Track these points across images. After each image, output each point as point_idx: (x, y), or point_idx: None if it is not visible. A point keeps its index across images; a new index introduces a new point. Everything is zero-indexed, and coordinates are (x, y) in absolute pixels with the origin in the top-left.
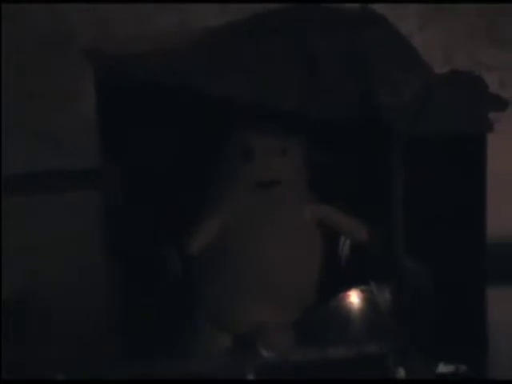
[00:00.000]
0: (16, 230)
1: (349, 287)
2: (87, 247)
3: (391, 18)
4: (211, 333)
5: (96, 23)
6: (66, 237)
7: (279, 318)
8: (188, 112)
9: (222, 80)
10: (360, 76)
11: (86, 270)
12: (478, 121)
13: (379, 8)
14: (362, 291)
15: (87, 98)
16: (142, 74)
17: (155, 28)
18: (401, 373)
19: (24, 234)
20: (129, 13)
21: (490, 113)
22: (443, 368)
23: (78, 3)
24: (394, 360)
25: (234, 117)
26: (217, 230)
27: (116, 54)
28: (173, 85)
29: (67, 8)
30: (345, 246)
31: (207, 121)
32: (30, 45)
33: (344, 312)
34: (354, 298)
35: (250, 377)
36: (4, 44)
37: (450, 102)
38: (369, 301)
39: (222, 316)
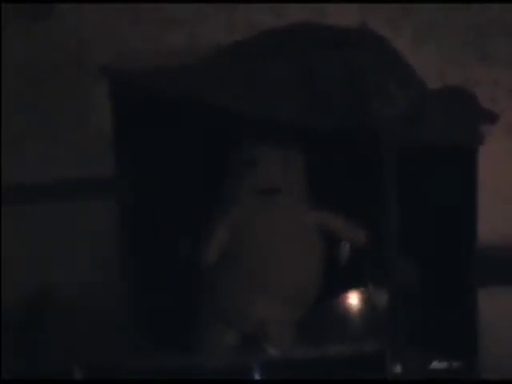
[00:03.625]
0: (34, 235)
1: (347, 288)
2: (102, 249)
3: (387, 36)
4: (218, 330)
5: (110, 39)
6: (81, 240)
7: (282, 317)
8: (195, 124)
9: (228, 94)
10: (356, 89)
11: (100, 270)
12: (470, 133)
13: (376, 26)
14: (360, 292)
15: (101, 109)
16: (154, 88)
17: (166, 45)
18: (397, 369)
19: (42, 237)
20: (141, 30)
21: (481, 126)
22: (437, 364)
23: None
24: (390, 357)
25: (237, 128)
26: (227, 235)
27: (129, 70)
28: (182, 98)
29: (83, 24)
30: (343, 249)
31: (214, 132)
32: (47, 59)
33: (343, 311)
34: (353, 298)
35: (255, 372)
36: (21, 57)
37: (443, 115)
38: (366, 301)
39: (228, 314)
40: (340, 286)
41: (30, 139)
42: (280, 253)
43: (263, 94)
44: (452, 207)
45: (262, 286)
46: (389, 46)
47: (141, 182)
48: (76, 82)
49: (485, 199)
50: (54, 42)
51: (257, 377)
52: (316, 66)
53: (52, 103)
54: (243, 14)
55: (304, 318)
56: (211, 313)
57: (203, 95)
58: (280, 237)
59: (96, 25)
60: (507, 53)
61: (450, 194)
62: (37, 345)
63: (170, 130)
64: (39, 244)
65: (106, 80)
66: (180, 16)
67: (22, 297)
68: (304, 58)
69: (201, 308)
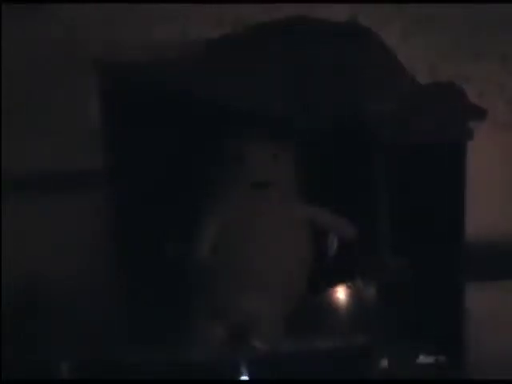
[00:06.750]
0: (25, 229)
1: (336, 283)
2: (93, 242)
3: (377, 30)
4: (206, 326)
5: (102, 34)
6: (73, 234)
7: (270, 312)
8: (186, 118)
9: (218, 89)
10: (347, 85)
11: (91, 265)
12: (459, 129)
13: (366, 20)
14: (349, 286)
15: (93, 103)
16: (144, 81)
17: (157, 39)
18: (384, 364)
19: (32, 231)
20: (133, 23)
21: (470, 121)
22: (424, 359)
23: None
24: (378, 351)
25: (228, 122)
26: (217, 231)
27: (120, 63)
28: (172, 92)
29: (76, 18)
30: (332, 244)
31: (204, 126)
32: (42, 52)
33: (331, 306)
34: (342, 292)
35: (243, 367)
36: (15, 50)
37: (433, 111)
38: (355, 296)
39: (216, 310)
40: (329, 280)
41: (22, 133)
42: (268, 248)
43: (253, 89)
44: (441, 203)
45: (251, 282)
46: (379, 42)
47: (131, 177)
48: (69, 76)
49: (473, 195)
50: (46, 36)
51: (245, 372)
52: (308, 62)
53: (45, 97)
54: (233, 9)
55: (292, 312)
56: (199, 308)
57: (193, 90)
58: (269, 232)
59: (89, 19)
60: (497, 49)
61: (438, 189)
62: (30, 340)
63: (161, 124)
64: (32, 238)
65: (99, 74)
66: (171, 10)
67: (14, 290)
68: (295, 54)
69: (189, 304)
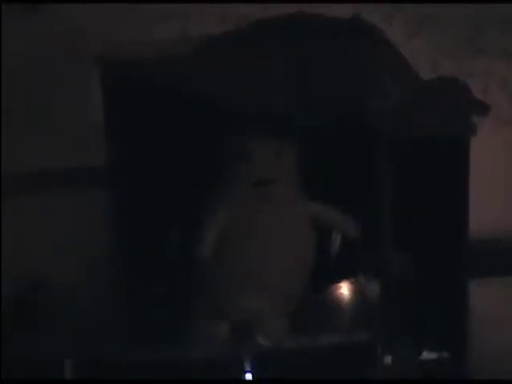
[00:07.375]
0: (25, 228)
1: (339, 279)
2: (93, 241)
3: (381, 27)
4: (207, 324)
5: (104, 31)
6: (74, 232)
7: (274, 308)
8: (187, 115)
9: (220, 86)
10: (350, 82)
11: (91, 265)
12: (462, 125)
13: (369, 17)
14: (352, 283)
15: (94, 100)
16: (145, 78)
17: (158, 36)
18: (387, 360)
19: (32, 231)
20: (134, 21)
21: (474, 117)
22: (427, 355)
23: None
24: (381, 348)
25: (230, 120)
26: (220, 228)
27: (121, 60)
28: (175, 89)
29: (76, 18)
30: (336, 241)
31: (206, 123)
32: (42, 52)
33: (335, 303)
34: (345, 289)
35: (246, 363)
36: (15, 50)
37: (436, 106)
38: (358, 292)
39: (219, 307)
40: (332, 277)
41: (22, 133)
42: (271, 246)
43: (256, 86)
44: (444, 199)
45: (252, 281)
46: (383, 38)
47: (132, 175)
48: (69, 76)
49: (476, 191)
50: (47, 34)
51: (248, 368)
52: (311, 58)
53: (45, 97)
54: (235, 9)
55: (296, 309)
56: (200, 308)
57: (195, 87)
58: (271, 229)
59: (89, 19)
60: (500, 45)
61: (441, 185)
62: (30, 340)
63: (162, 121)
64: (32, 237)
65: (100, 70)
66: (172, 8)
67: (14, 290)
68: (298, 51)
69: (189, 304)
